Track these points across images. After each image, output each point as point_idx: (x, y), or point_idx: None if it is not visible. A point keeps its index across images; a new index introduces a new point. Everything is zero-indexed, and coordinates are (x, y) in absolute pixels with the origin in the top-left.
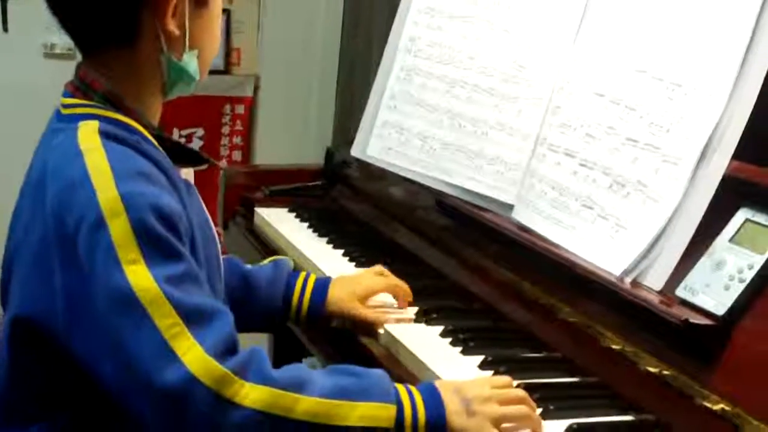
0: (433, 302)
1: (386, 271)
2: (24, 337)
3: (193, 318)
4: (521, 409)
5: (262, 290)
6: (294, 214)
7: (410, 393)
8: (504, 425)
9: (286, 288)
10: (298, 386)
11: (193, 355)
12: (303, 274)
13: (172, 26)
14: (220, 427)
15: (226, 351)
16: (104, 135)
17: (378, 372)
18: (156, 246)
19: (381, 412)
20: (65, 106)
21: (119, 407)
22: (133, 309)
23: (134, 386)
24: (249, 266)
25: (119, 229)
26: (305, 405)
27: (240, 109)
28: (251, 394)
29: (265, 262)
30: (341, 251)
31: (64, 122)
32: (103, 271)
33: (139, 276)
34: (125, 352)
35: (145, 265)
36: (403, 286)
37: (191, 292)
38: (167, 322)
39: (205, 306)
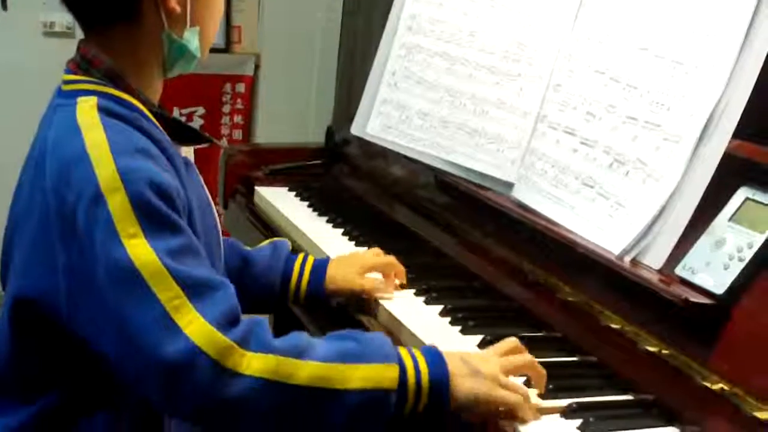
0: (433, 281)
1: (382, 253)
2: (25, 316)
3: (195, 290)
4: (526, 357)
5: (261, 271)
6: (294, 193)
7: (412, 354)
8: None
9: (284, 268)
10: (299, 352)
11: (195, 326)
12: (301, 255)
13: (173, 3)
14: (224, 397)
15: (228, 322)
16: (103, 111)
17: (379, 335)
18: (155, 219)
19: (383, 372)
20: (66, 83)
21: (116, 381)
22: (135, 283)
23: (137, 359)
24: (248, 248)
25: (118, 203)
26: (307, 370)
27: (240, 88)
28: (253, 363)
29: (264, 243)
30: (341, 230)
31: (64, 98)
32: (103, 246)
33: (140, 249)
34: (127, 325)
35: (145, 238)
36: (398, 266)
37: (192, 265)
38: (169, 294)
39: (207, 278)
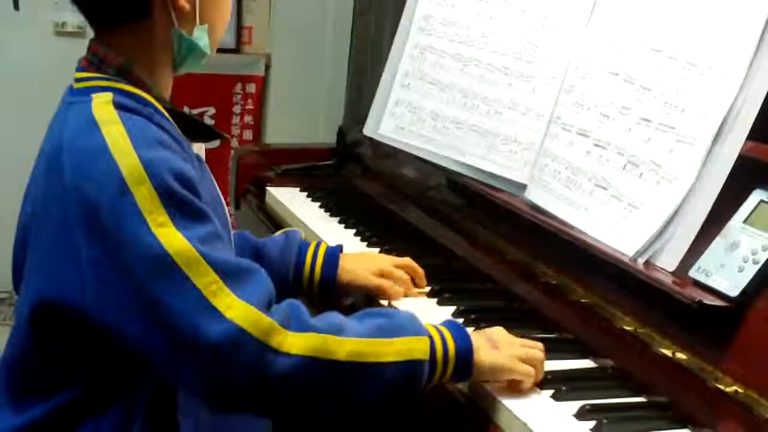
0: (446, 282)
1: (406, 263)
2: (46, 314)
3: (231, 275)
4: (538, 353)
5: (274, 260)
6: (305, 193)
7: (437, 328)
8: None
9: (297, 256)
10: (338, 330)
11: (236, 309)
12: (314, 243)
13: (183, 1)
14: (269, 375)
15: (266, 304)
16: (118, 106)
17: (406, 312)
18: (182, 208)
19: (416, 344)
20: (78, 80)
21: (133, 375)
22: (171, 271)
23: (177, 347)
24: (260, 239)
25: (144, 194)
26: (347, 346)
27: (251, 88)
28: (296, 342)
29: (277, 233)
30: (353, 231)
31: (77, 96)
32: (134, 238)
33: (172, 238)
34: (166, 314)
35: (175, 227)
36: (417, 269)
37: (222, 250)
38: (206, 280)
39: (240, 262)
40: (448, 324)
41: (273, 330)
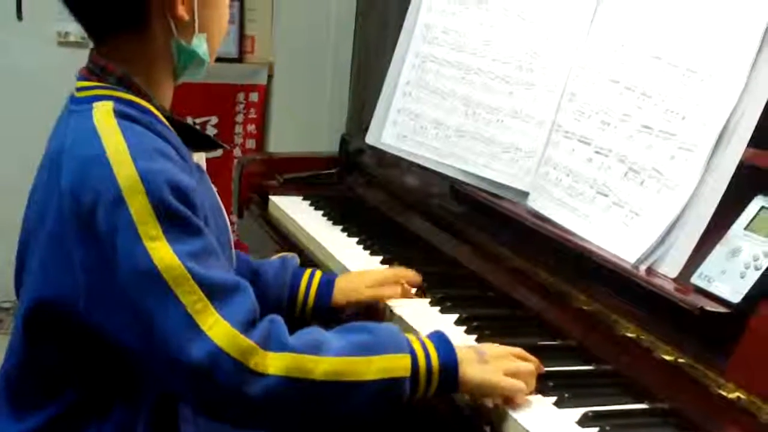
0: (448, 290)
1: (395, 274)
2: (41, 318)
3: (216, 293)
4: (529, 366)
5: (269, 282)
6: (308, 202)
7: (422, 342)
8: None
9: (291, 283)
10: (316, 348)
11: (218, 329)
12: (308, 271)
13: (181, 11)
14: (247, 396)
15: (249, 323)
16: (119, 115)
17: (389, 326)
18: (175, 222)
19: (397, 362)
20: (79, 89)
21: (134, 377)
22: (158, 286)
23: (162, 360)
24: (257, 261)
25: (139, 206)
26: (325, 365)
27: (254, 97)
28: (274, 363)
29: (274, 257)
30: (355, 239)
31: (78, 104)
32: (124, 249)
33: (161, 253)
34: (150, 327)
35: (167, 241)
36: (409, 273)
37: (212, 267)
38: (191, 298)
39: (227, 281)
40: (433, 336)
41: (252, 351)
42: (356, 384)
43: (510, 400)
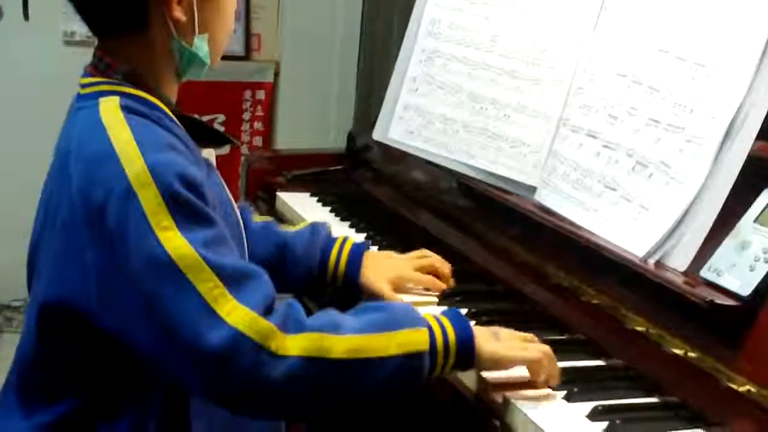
0: (457, 285)
1: (428, 253)
2: (53, 317)
3: (233, 279)
4: (543, 346)
5: (299, 255)
6: (316, 198)
7: (437, 318)
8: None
9: (322, 253)
10: (335, 328)
11: (237, 314)
12: (340, 240)
13: (178, 13)
14: (268, 380)
15: (266, 308)
16: (125, 109)
17: (403, 303)
18: (187, 212)
19: (416, 336)
20: (84, 86)
21: (145, 377)
22: (173, 275)
23: (179, 351)
24: (286, 231)
25: (149, 198)
26: (344, 343)
27: (261, 95)
28: (294, 344)
29: (302, 226)
30: (363, 235)
31: (84, 101)
32: (137, 241)
33: (175, 242)
34: (168, 318)
35: (179, 230)
36: (437, 283)
37: (226, 254)
38: (208, 285)
39: (242, 267)
40: (447, 313)
41: (271, 333)
42: (376, 360)
43: (530, 384)
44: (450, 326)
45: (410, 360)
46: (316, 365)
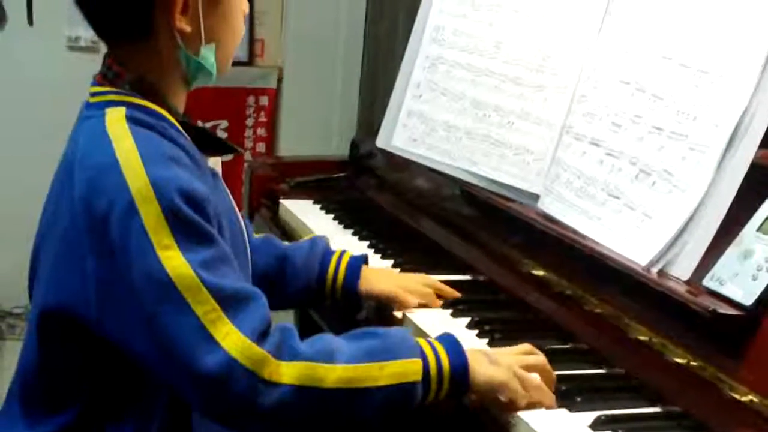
0: (460, 294)
1: (431, 281)
2: (53, 325)
3: (230, 303)
4: (539, 359)
5: (299, 268)
6: (319, 205)
7: (432, 345)
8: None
9: (320, 265)
10: (328, 356)
11: (231, 339)
12: (337, 253)
13: (183, 23)
14: (261, 406)
15: (261, 333)
16: (131, 120)
17: (399, 330)
18: (188, 230)
19: (409, 367)
20: (93, 95)
21: (146, 386)
22: (171, 295)
23: (175, 369)
24: (286, 244)
25: (151, 214)
26: (337, 373)
27: (264, 101)
28: (287, 372)
29: (303, 239)
30: (366, 243)
31: (91, 110)
32: (137, 258)
33: (174, 262)
34: (163, 337)
35: (179, 250)
36: (437, 302)
37: (225, 275)
38: (205, 308)
39: (240, 290)
40: (443, 339)
41: (265, 361)
42: (368, 390)
43: (530, 404)
44: (444, 354)
45: (402, 390)
46: (308, 394)
